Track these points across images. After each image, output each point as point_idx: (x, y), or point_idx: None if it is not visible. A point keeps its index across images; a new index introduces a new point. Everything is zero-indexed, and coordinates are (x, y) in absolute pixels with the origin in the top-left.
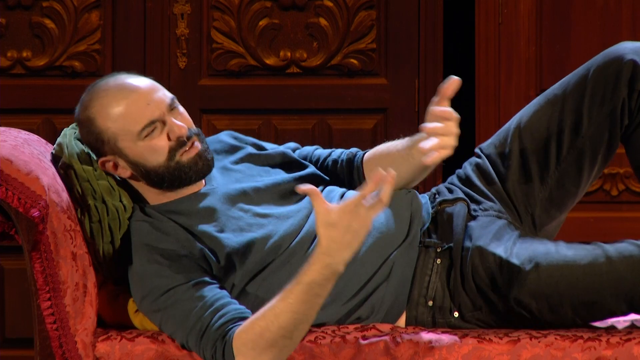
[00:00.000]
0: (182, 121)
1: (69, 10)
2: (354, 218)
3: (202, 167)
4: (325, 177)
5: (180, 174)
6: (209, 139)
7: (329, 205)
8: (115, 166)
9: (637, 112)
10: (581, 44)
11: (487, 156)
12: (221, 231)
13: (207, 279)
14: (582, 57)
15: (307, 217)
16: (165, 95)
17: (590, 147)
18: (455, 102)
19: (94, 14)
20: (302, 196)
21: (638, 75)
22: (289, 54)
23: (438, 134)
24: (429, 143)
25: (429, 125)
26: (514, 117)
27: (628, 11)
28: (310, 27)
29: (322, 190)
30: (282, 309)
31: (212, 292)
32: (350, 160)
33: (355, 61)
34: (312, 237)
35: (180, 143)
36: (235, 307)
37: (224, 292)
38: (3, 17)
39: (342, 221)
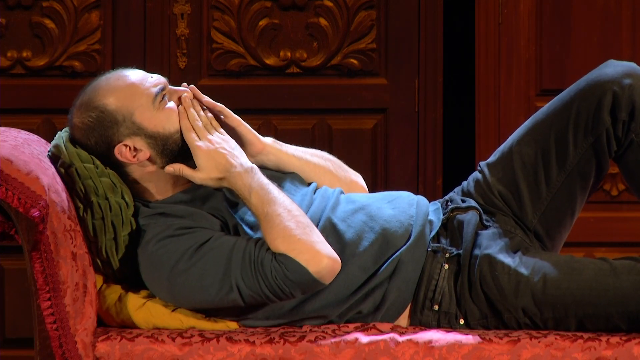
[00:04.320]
0: None
1: (69, 10)
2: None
3: None
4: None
5: None
6: None
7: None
8: (134, 151)
9: (625, 138)
10: (581, 44)
11: (486, 178)
12: (227, 207)
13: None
14: (582, 57)
15: (308, 207)
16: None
17: (579, 173)
18: (455, 102)
19: (94, 14)
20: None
21: (619, 106)
22: (289, 54)
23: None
24: None
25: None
26: (509, 138)
27: (628, 11)
28: (310, 27)
29: (315, 189)
30: (269, 207)
31: (238, 235)
32: None
33: (355, 61)
34: (316, 223)
35: None
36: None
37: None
38: (3, 17)
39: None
